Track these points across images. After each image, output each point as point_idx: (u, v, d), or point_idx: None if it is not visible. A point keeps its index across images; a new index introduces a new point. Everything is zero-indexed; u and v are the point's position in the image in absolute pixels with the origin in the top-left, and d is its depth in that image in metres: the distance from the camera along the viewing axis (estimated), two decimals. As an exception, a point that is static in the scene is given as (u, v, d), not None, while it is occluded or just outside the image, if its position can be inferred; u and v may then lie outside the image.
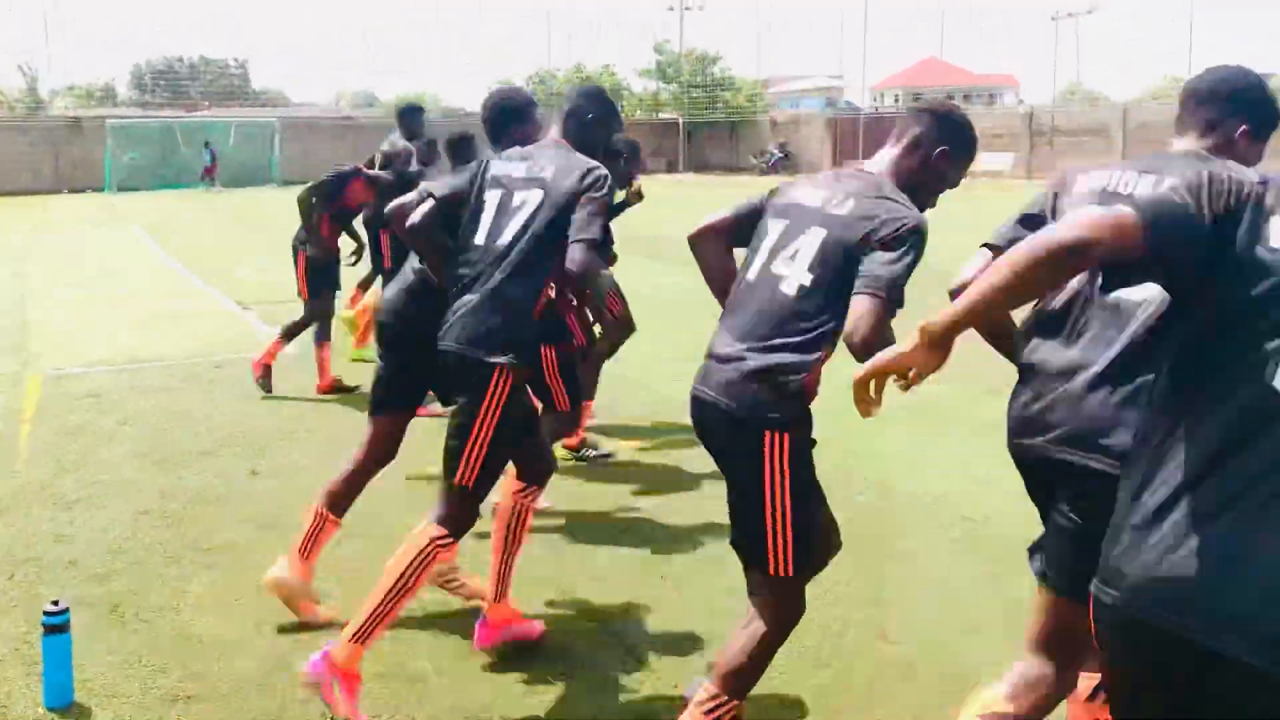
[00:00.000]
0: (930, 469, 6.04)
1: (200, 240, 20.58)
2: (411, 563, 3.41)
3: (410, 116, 9.73)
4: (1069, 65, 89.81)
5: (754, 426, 2.86)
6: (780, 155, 44.36)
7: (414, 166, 8.24)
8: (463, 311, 3.54)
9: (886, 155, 3.04)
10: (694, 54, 51.98)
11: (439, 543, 3.46)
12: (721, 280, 3.22)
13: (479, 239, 3.59)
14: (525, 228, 3.53)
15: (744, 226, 3.19)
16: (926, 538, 5.02)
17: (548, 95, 56.09)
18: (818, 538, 2.99)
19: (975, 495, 5.47)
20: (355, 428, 7.21)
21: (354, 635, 3.35)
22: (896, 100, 69.19)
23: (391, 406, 4.21)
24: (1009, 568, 4.18)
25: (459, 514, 3.54)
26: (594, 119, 3.81)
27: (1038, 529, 2.71)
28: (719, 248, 3.28)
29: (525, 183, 3.60)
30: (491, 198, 3.64)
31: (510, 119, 4.05)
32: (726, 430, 2.94)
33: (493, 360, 3.45)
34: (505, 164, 3.70)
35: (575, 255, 3.46)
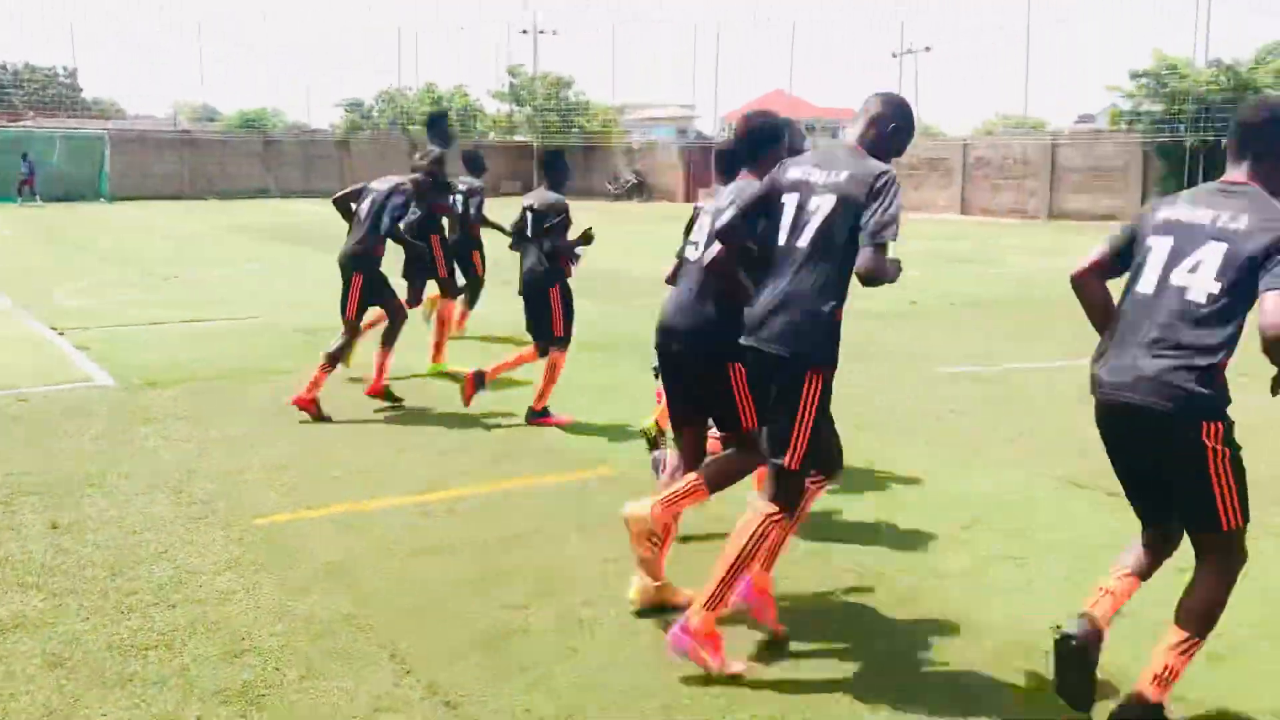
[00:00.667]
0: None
1: (12, 259, 19.07)
2: (750, 537, 3.85)
3: (439, 124, 9.37)
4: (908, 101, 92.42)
5: (1193, 419, 3.28)
6: (634, 181, 44.38)
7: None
8: (769, 312, 3.85)
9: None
10: (548, 78, 51.65)
11: (773, 518, 3.90)
12: (1103, 313, 3.59)
13: (781, 240, 3.89)
14: (821, 231, 3.79)
15: (1121, 256, 3.56)
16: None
17: (396, 114, 54.95)
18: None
19: None
20: (179, 467, 6.83)
21: (706, 604, 3.85)
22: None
23: (694, 422, 4.57)
24: None
25: (788, 492, 3.94)
26: (895, 128, 3.98)
27: None
28: (1100, 283, 3.62)
29: (822, 188, 3.84)
30: (790, 201, 3.90)
31: (768, 142, 4.38)
32: (1161, 430, 3.33)
33: (804, 357, 3.80)
34: (801, 169, 3.94)
35: (865, 258, 3.68)
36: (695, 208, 5.38)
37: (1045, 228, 28.52)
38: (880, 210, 3.69)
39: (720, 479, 4.33)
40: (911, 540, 5.27)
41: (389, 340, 8.05)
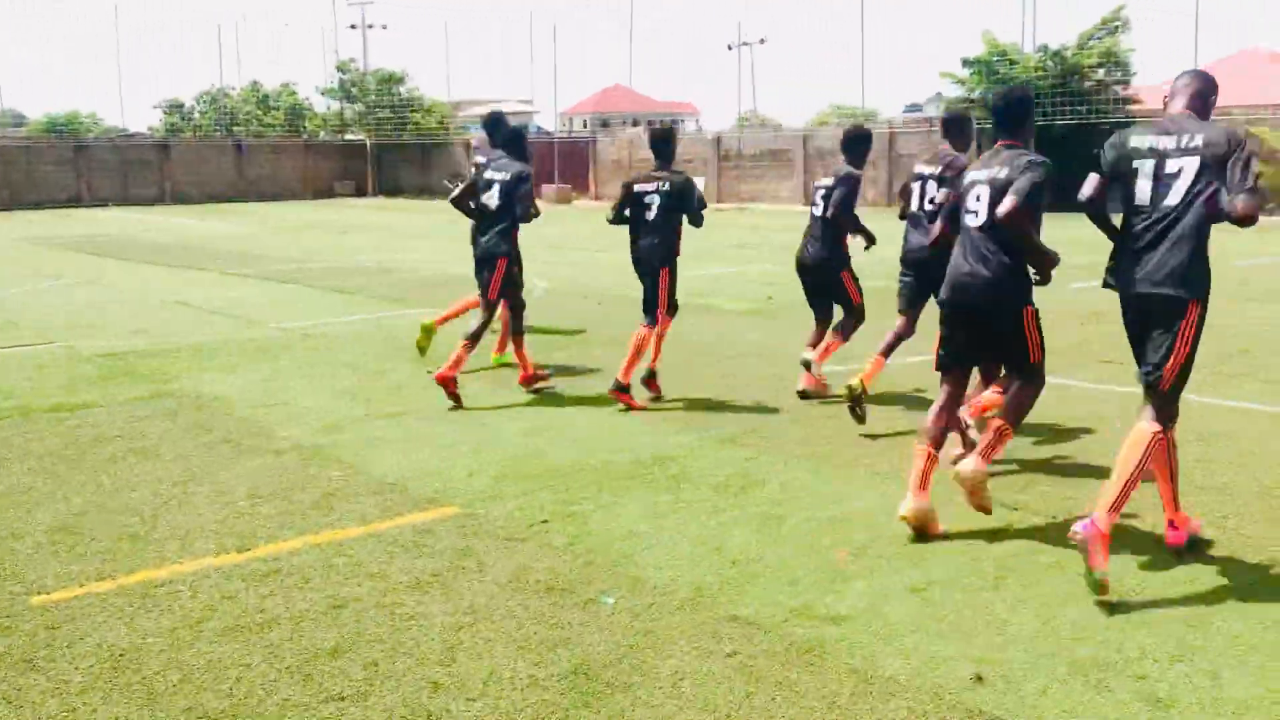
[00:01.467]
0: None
1: None
2: (1142, 452, 4.56)
3: (497, 125, 9.12)
4: (747, 93, 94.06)
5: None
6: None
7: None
8: (1148, 262, 4.62)
9: None
10: (379, 74, 49.96)
11: (1158, 435, 4.61)
12: None
13: (1143, 201, 4.66)
14: (1190, 188, 4.52)
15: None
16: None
17: (219, 114, 52.34)
18: None
19: None
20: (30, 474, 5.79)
21: (1109, 508, 4.47)
22: (585, 125, 69.80)
23: (965, 367, 5.63)
24: None
25: (1168, 410, 4.68)
26: (1213, 96, 4.81)
27: None
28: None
29: (1178, 151, 4.57)
30: (1144, 166, 4.64)
31: (1028, 114, 5.45)
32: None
33: (1186, 296, 4.56)
34: (1150, 137, 4.69)
35: (1240, 202, 4.40)
36: (917, 174, 7.27)
37: (889, 215, 28.75)
38: (1241, 163, 4.42)
39: (1019, 412, 5.27)
40: (798, 577, 4.70)
41: (477, 338, 8.15)
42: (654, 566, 4.81)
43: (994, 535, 5.12)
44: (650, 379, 8.08)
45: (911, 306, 7.29)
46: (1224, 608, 4.30)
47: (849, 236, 8.10)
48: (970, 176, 5.32)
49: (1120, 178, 4.72)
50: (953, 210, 5.47)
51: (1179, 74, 4.87)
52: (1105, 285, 4.88)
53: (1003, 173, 5.09)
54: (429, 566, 4.85)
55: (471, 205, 8.54)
